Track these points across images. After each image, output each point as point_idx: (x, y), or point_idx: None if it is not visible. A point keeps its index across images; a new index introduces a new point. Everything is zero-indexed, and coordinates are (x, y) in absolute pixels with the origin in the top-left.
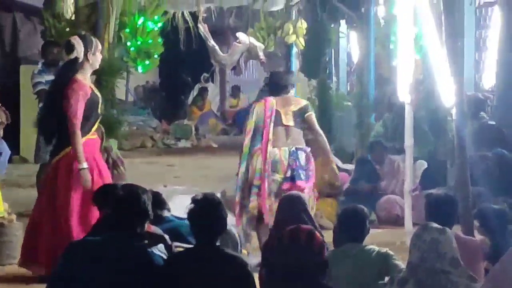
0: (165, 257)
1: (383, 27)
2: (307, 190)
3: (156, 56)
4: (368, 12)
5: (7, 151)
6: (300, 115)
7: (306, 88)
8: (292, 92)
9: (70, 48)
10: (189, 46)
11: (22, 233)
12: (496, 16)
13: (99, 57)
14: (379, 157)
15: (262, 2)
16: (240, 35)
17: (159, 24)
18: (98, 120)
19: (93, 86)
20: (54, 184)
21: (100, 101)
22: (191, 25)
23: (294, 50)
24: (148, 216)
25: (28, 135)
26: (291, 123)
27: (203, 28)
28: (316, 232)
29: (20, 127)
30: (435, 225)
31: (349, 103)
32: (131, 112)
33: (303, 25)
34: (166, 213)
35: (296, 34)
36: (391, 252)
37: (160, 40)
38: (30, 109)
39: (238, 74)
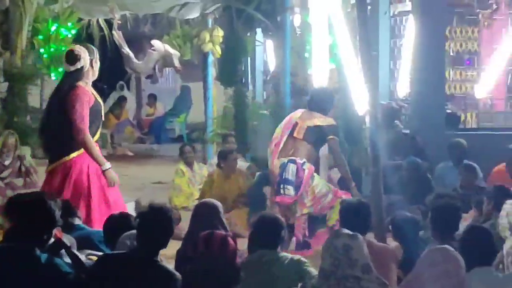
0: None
1: (299, 36)
2: (308, 204)
3: None
4: (283, 21)
5: None
6: (316, 132)
7: (222, 97)
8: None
9: (74, 58)
10: (104, 53)
11: None
12: (410, 25)
13: (98, 64)
14: None
15: (178, 10)
16: (155, 42)
17: (73, 31)
18: (100, 128)
19: (95, 94)
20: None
21: (102, 109)
22: (106, 32)
23: (211, 58)
24: (55, 224)
25: None
26: (300, 136)
27: (117, 35)
28: (229, 238)
29: None
30: (347, 231)
31: (266, 112)
32: None
33: (219, 33)
34: (77, 221)
35: (213, 42)
36: (304, 259)
37: None
38: None
39: (154, 82)
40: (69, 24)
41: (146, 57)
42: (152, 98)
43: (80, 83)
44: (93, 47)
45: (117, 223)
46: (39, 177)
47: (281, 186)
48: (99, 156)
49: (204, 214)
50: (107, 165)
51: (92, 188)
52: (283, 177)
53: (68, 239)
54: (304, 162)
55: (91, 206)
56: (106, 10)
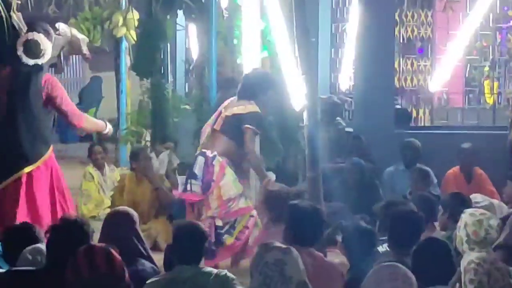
0: None
1: (226, 19)
2: (213, 205)
3: None
4: (209, 2)
5: None
6: (234, 122)
7: (138, 89)
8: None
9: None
10: (1, 38)
11: None
12: (354, 8)
13: None
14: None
15: None
16: (60, 25)
17: None
18: None
19: None
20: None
21: None
22: (3, 14)
23: (125, 44)
24: None
25: None
26: (218, 127)
27: (16, 18)
28: (113, 251)
29: None
30: (279, 244)
31: (188, 107)
32: None
33: (134, 16)
34: None
35: (127, 26)
36: (231, 275)
37: None
38: None
39: (58, 72)
40: None
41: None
42: None
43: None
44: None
45: (18, 235)
46: None
47: (188, 181)
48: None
49: (117, 225)
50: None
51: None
52: (191, 170)
53: None
54: (215, 156)
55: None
56: None
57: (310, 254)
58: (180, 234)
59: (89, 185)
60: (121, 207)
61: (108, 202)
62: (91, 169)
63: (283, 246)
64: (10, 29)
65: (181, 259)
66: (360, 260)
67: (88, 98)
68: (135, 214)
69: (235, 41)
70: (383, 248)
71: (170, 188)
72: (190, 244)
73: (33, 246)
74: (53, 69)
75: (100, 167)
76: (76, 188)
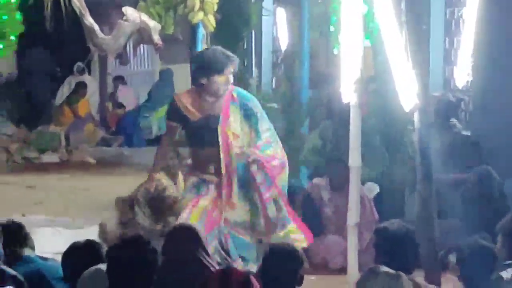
0: None
1: (321, 3)
2: None
3: (12, 38)
4: None
5: None
6: None
7: None
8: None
9: None
10: (58, 25)
11: None
12: None
13: None
14: (340, 181)
15: None
16: (127, 10)
17: None
18: None
19: None
20: None
21: None
22: None
23: (201, 32)
24: None
25: None
26: None
27: (77, 1)
28: (252, 276)
29: None
30: (386, 269)
31: (275, 105)
32: None
33: None
34: (27, 252)
35: (204, 10)
36: None
37: (18, 16)
38: None
39: (124, 63)
40: None
41: (115, 30)
42: (119, 82)
43: None
44: None
45: (80, 254)
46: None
47: None
48: None
49: (179, 241)
50: None
51: None
52: None
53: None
54: None
55: None
56: None
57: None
58: (273, 257)
59: None
60: (186, 222)
61: None
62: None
63: (392, 271)
64: (69, 14)
65: (272, 286)
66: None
67: (158, 94)
68: (200, 229)
69: (331, 29)
70: (508, 274)
71: None
72: (285, 270)
73: (96, 267)
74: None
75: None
76: None
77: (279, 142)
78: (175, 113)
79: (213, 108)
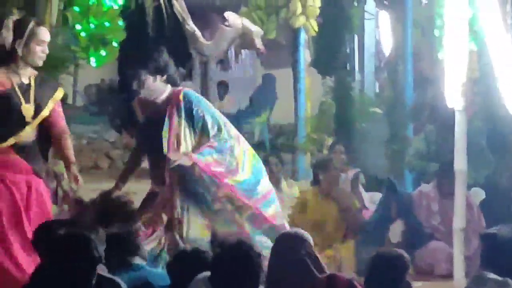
0: None
1: (425, 6)
2: None
3: (115, 44)
4: None
5: None
6: None
7: (319, 89)
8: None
9: None
10: (159, 31)
11: None
12: None
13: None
14: (450, 187)
15: None
16: (230, 15)
17: (120, 1)
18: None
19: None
20: None
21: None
22: (162, 2)
23: (304, 37)
24: (96, 263)
25: None
26: None
27: (179, 7)
28: (356, 283)
29: None
30: (494, 276)
31: (378, 110)
32: (80, 120)
33: (315, 3)
34: (138, 260)
35: (306, 15)
36: None
37: (121, 22)
38: None
39: (226, 69)
40: None
41: (217, 35)
42: (222, 88)
43: None
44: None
45: (188, 262)
46: None
47: None
48: None
49: (288, 249)
50: None
51: None
52: None
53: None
54: None
55: None
56: None
57: None
58: (381, 263)
59: None
60: (293, 229)
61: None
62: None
63: (499, 278)
64: (170, 19)
65: None
66: None
67: (260, 101)
68: (309, 237)
69: (435, 32)
70: None
71: (360, 209)
72: (391, 276)
73: (205, 274)
74: (219, 65)
75: (275, 182)
76: None
77: (238, 147)
78: (131, 119)
79: (158, 111)
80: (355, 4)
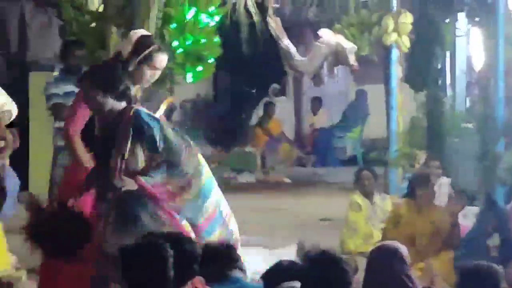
0: None
1: None
2: None
3: (211, 60)
4: (495, 2)
5: (15, 185)
6: None
7: (410, 104)
8: None
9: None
10: (254, 47)
11: None
12: None
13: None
14: None
15: None
16: (324, 32)
17: (216, 18)
18: None
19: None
20: None
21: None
22: (256, 19)
23: (395, 53)
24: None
25: (39, 165)
26: None
27: (274, 23)
28: None
29: (28, 153)
30: None
31: (470, 125)
32: None
33: (408, 19)
34: (236, 273)
35: (398, 31)
36: None
37: (217, 39)
38: (41, 129)
39: (318, 84)
40: (211, 8)
41: (311, 52)
42: (316, 103)
43: None
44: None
45: (283, 275)
46: None
47: None
48: None
49: (383, 263)
50: None
51: None
52: None
53: None
54: None
55: None
56: None
57: None
58: (471, 277)
59: (356, 216)
60: (389, 242)
61: (378, 236)
62: (358, 197)
63: None
64: (264, 36)
65: None
66: None
67: (353, 116)
68: (404, 250)
69: None
70: None
71: (457, 224)
72: None
73: (289, 284)
74: (311, 81)
75: (368, 195)
76: (341, 219)
77: (189, 165)
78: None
79: (112, 127)
80: (447, 21)
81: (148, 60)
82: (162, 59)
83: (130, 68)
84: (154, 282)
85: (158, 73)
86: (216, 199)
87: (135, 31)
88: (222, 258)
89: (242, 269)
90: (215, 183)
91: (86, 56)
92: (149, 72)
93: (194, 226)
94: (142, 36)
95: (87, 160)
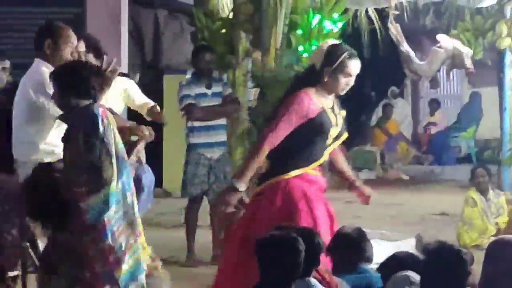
0: None
1: None
2: None
3: None
4: None
5: (151, 180)
6: None
7: None
8: None
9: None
10: (374, 52)
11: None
12: None
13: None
14: None
15: None
16: (442, 38)
17: (339, 25)
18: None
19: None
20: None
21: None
22: (377, 25)
23: (509, 57)
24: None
25: (173, 162)
26: None
27: (394, 29)
28: None
29: (162, 151)
30: None
31: None
32: None
33: None
34: (363, 264)
35: (511, 37)
36: None
37: None
38: (175, 129)
39: (435, 87)
40: (335, 15)
41: (430, 56)
42: (434, 105)
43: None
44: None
45: (398, 265)
46: None
47: None
48: None
49: (502, 257)
50: None
51: None
52: None
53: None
54: None
55: None
56: None
57: None
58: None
59: (472, 211)
60: (507, 236)
61: (492, 230)
62: (473, 194)
63: None
64: (384, 41)
65: None
66: None
67: (467, 117)
68: None
69: None
70: None
71: None
72: None
73: (403, 274)
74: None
75: (483, 192)
76: (456, 215)
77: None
78: None
79: None
80: None
81: (342, 68)
82: (355, 65)
83: (325, 79)
84: (287, 271)
85: (352, 80)
86: None
87: (325, 41)
88: (353, 249)
89: (369, 260)
90: None
91: (216, 60)
92: (343, 79)
93: None
94: (332, 45)
95: None
